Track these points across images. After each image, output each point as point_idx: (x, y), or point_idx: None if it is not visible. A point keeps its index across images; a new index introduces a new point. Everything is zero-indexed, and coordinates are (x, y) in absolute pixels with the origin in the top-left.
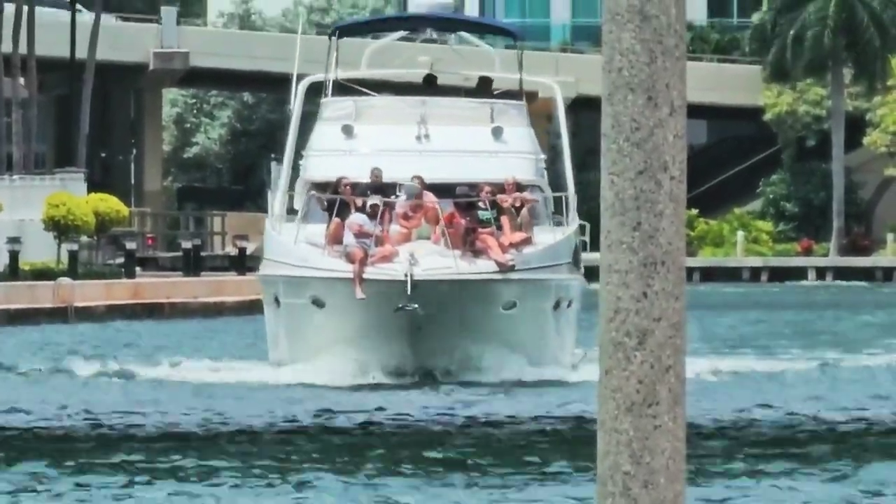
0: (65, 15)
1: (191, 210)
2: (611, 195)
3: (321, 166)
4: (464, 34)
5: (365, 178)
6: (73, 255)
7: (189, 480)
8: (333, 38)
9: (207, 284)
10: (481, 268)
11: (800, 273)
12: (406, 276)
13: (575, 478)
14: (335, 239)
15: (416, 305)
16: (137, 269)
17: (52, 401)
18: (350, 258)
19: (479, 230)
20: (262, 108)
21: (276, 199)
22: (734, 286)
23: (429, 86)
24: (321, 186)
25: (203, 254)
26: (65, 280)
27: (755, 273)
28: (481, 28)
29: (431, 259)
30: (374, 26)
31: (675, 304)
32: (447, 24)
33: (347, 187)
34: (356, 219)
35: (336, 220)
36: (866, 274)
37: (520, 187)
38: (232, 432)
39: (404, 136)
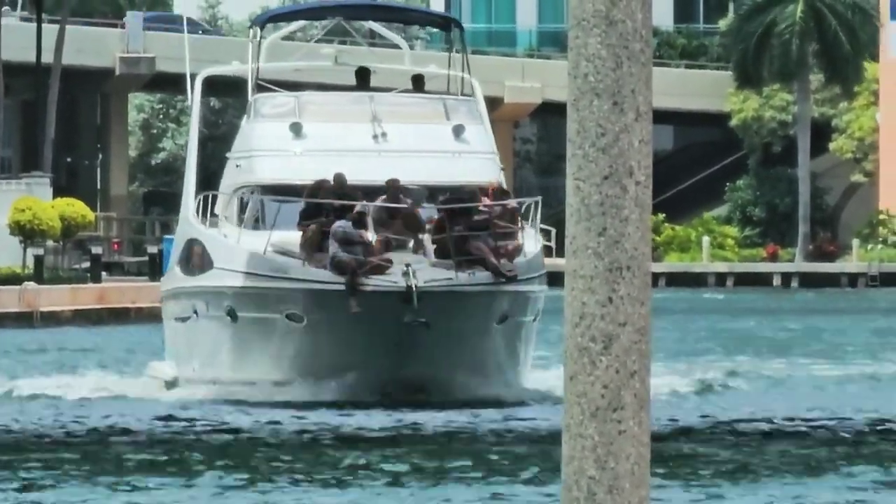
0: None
1: (157, 215)
2: (576, 200)
3: (269, 167)
4: (374, 25)
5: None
6: (38, 260)
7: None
8: (256, 28)
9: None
10: (481, 279)
11: (765, 279)
12: (410, 287)
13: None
14: (316, 247)
15: (425, 319)
16: (103, 273)
17: None
18: (341, 268)
19: (472, 237)
20: (229, 113)
21: (219, 203)
22: (700, 291)
23: (362, 80)
24: (273, 189)
25: None
26: (30, 285)
27: (721, 278)
28: (418, 17)
29: (427, 269)
30: (300, 15)
31: (641, 309)
32: (381, 12)
33: (328, 192)
34: (340, 226)
35: (314, 227)
36: (832, 280)
37: (503, 191)
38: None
39: (359, 135)
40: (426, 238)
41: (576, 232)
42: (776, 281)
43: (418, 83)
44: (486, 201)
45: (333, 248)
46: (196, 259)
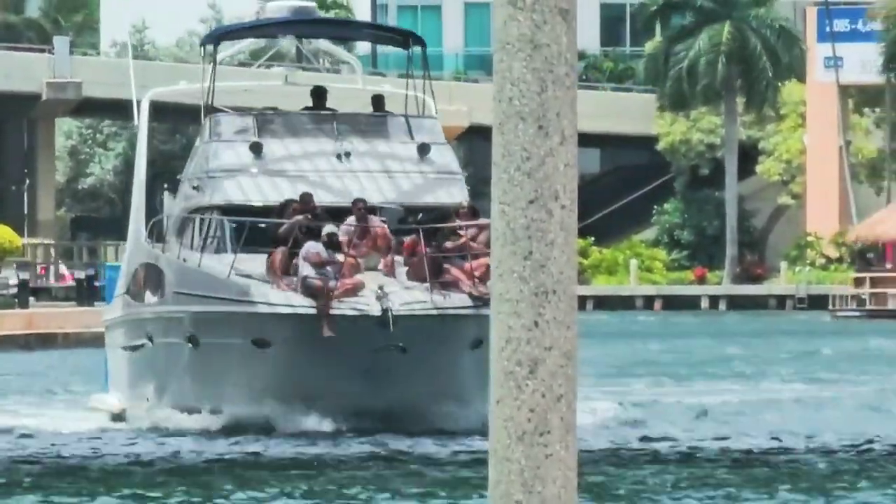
0: None
1: (84, 240)
2: (502, 224)
3: (230, 189)
4: (325, 44)
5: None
6: None
7: None
8: (208, 46)
9: (101, 314)
10: (457, 302)
11: (693, 301)
12: (385, 311)
13: None
14: (284, 270)
15: (401, 344)
16: (31, 299)
17: None
18: (312, 291)
19: (446, 259)
20: (156, 138)
21: (169, 225)
22: (627, 315)
23: (318, 99)
24: (234, 211)
25: (97, 284)
26: None
27: (648, 301)
28: (374, 33)
29: (401, 292)
30: (253, 32)
31: (567, 332)
32: (335, 28)
33: (296, 212)
34: (312, 248)
35: (282, 249)
36: (759, 302)
37: (474, 212)
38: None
39: (323, 155)
40: (397, 259)
41: (501, 256)
42: (704, 303)
43: (378, 103)
44: (459, 222)
45: (305, 270)
46: (151, 284)
